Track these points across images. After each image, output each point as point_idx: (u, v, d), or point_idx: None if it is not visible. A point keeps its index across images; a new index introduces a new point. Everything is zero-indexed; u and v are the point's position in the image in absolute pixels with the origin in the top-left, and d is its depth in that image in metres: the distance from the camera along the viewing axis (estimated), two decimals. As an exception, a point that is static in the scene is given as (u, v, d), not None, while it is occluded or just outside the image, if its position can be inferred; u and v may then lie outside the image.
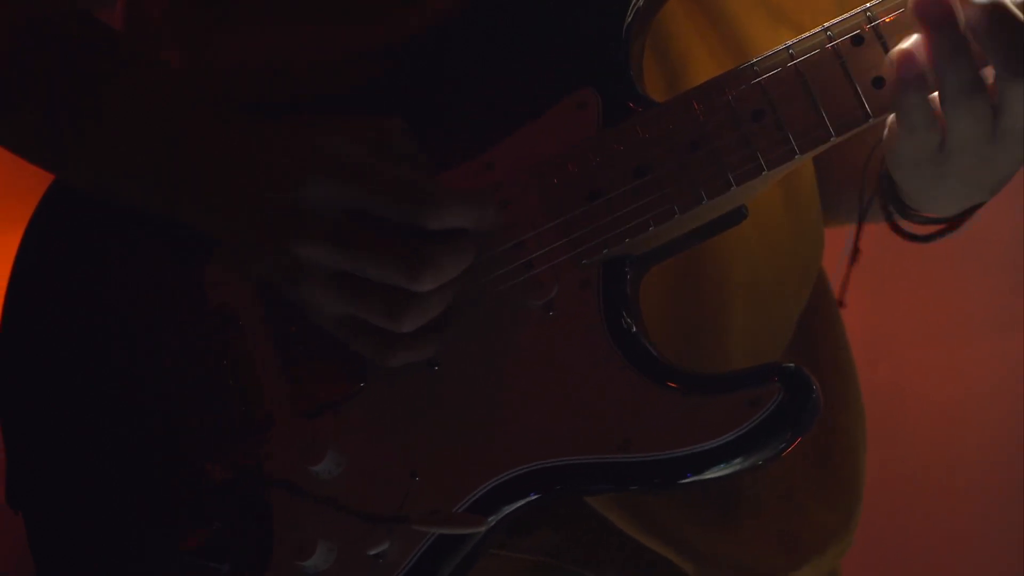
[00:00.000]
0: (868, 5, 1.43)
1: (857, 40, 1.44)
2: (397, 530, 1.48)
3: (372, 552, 1.50)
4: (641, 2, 1.50)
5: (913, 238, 1.61)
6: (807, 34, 1.45)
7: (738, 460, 1.44)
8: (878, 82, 1.43)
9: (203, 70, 1.63)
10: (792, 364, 1.45)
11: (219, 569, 1.54)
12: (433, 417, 1.50)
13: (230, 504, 1.55)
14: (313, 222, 1.44)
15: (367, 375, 1.52)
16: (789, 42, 1.46)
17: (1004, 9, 1.35)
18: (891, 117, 1.46)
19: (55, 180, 1.67)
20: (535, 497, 1.48)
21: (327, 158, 1.45)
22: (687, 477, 1.45)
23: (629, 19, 1.50)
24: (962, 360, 3.15)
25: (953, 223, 1.59)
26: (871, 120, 1.44)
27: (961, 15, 1.37)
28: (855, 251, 1.64)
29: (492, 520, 1.47)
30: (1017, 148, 1.43)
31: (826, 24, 1.44)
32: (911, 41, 1.41)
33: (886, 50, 1.42)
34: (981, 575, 3.18)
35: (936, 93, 1.41)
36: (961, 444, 3.18)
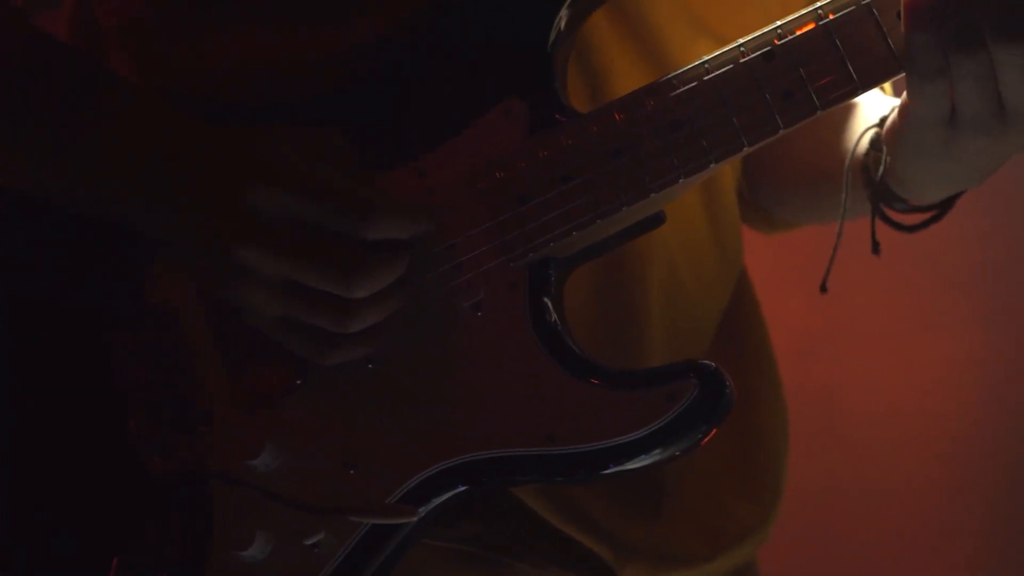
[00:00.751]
0: (778, 23, 1.52)
1: (768, 56, 1.52)
2: (332, 521, 1.55)
3: (308, 542, 1.56)
4: (564, 17, 1.57)
5: (901, 228, 1.68)
6: (722, 50, 1.54)
7: (657, 451, 1.52)
8: (788, 95, 1.51)
9: (152, 79, 1.69)
10: (707, 361, 1.53)
11: (158, 562, 1.60)
12: (368, 413, 1.57)
13: (171, 498, 1.61)
14: (253, 228, 1.50)
15: (305, 372, 1.59)
16: (706, 57, 1.54)
17: None
18: (901, 99, 1.53)
19: None
20: (463, 489, 1.55)
21: (270, 166, 1.52)
22: (609, 468, 1.52)
23: (554, 33, 1.58)
24: (897, 360, 3.21)
25: (941, 211, 1.66)
26: (782, 131, 1.52)
27: None
28: (874, 243, 1.69)
29: (423, 511, 1.54)
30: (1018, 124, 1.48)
31: (740, 40, 1.53)
32: None
33: (794, 66, 1.51)
34: (923, 573, 3.24)
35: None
36: (896, 444, 3.23)
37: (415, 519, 1.53)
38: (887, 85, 1.83)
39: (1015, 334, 3.18)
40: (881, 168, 1.64)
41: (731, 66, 1.53)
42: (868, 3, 1.48)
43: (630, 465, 1.53)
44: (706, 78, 1.53)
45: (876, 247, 1.68)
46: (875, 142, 1.64)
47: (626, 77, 1.66)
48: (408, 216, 1.54)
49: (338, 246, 1.50)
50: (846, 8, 1.50)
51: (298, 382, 1.60)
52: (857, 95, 1.52)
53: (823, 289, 1.74)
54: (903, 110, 1.55)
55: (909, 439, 3.22)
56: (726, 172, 1.79)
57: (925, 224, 1.68)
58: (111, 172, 1.58)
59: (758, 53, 1.52)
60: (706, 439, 1.53)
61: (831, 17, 1.50)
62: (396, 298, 1.54)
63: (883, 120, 1.63)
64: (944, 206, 1.67)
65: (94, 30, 1.74)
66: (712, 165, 1.54)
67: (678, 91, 1.54)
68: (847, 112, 1.74)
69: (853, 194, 1.69)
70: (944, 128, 1.50)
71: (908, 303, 3.19)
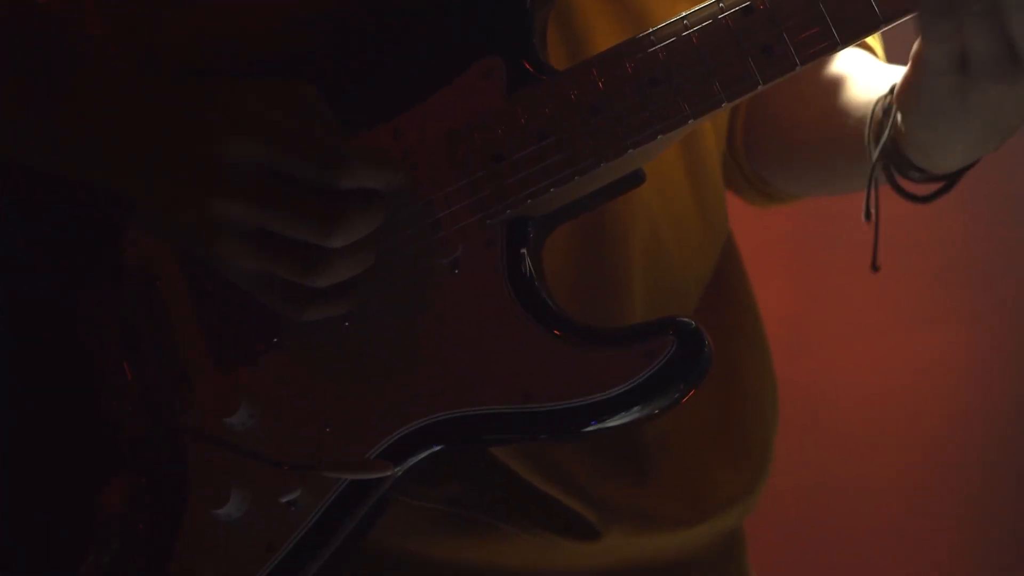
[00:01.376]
0: None
1: (747, 11, 1.51)
2: (309, 477, 1.55)
3: (284, 499, 1.56)
4: None
5: (914, 198, 1.65)
6: (701, 6, 1.53)
7: (636, 408, 1.51)
8: (767, 49, 1.51)
9: (128, 46, 1.68)
10: (687, 319, 1.52)
11: (135, 521, 1.60)
12: (344, 370, 1.57)
13: (147, 455, 1.60)
14: (229, 179, 1.49)
15: (281, 330, 1.58)
16: (684, 13, 1.53)
17: None
18: (912, 51, 1.51)
19: None
20: (440, 448, 1.55)
21: (244, 117, 1.51)
22: (591, 425, 1.52)
23: None
24: (882, 354, 3.20)
25: (951, 181, 1.63)
26: (760, 86, 1.51)
27: None
28: (875, 214, 1.67)
29: (399, 469, 1.53)
30: None
31: None
32: None
33: (773, 21, 1.50)
34: (907, 568, 3.22)
35: None
36: (880, 438, 3.21)
37: (391, 474, 1.52)
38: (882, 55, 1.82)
39: (1002, 329, 3.17)
40: (885, 133, 1.62)
41: (709, 21, 1.52)
42: None
43: (610, 423, 1.52)
44: (684, 34, 1.53)
45: (868, 214, 1.66)
46: (887, 110, 1.62)
47: (606, 36, 1.66)
48: (383, 164, 1.53)
49: (314, 195, 1.49)
50: None
51: (275, 340, 1.59)
52: (837, 51, 1.51)
53: (874, 268, 1.72)
54: (915, 61, 1.53)
55: (894, 433, 3.22)
56: (709, 137, 1.79)
57: (934, 195, 1.66)
58: (85, 133, 1.58)
59: (737, 8, 1.51)
60: (685, 398, 1.52)
61: None
62: (371, 251, 1.53)
63: (893, 88, 1.61)
64: (953, 178, 1.65)
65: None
66: (690, 121, 1.53)
67: (656, 47, 1.53)
68: (855, 80, 1.72)
69: (867, 164, 1.66)
70: (957, 76, 1.48)
71: (894, 297, 3.18)
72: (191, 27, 1.65)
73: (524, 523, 1.67)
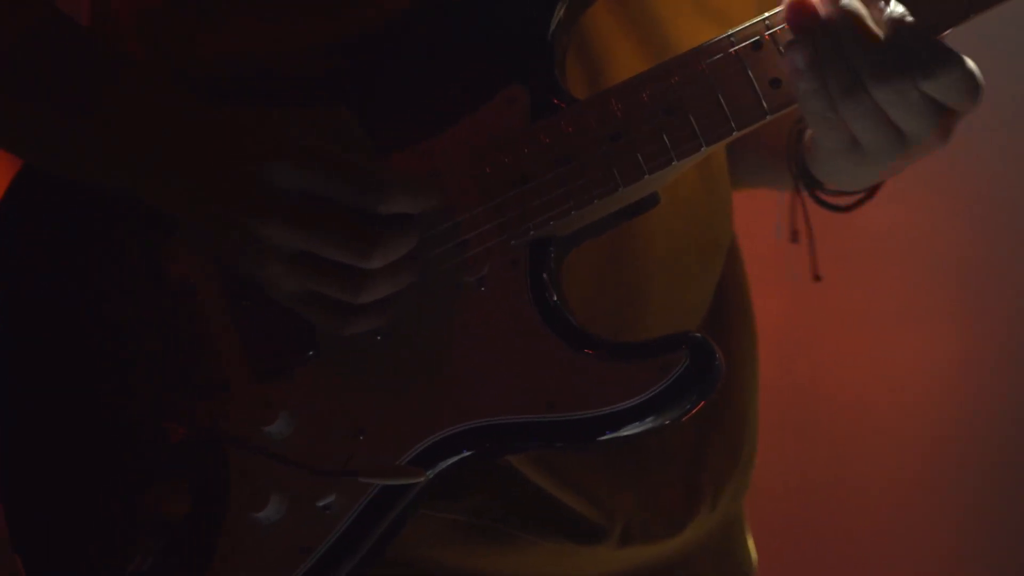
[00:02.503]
0: (766, 14, 1.60)
1: (756, 45, 1.61)
2: (343, 483, 1.64)
3: (320, 504, 1.65)
4: (564, 6, 1.66)
5: (834, 208, 1.77)
6: (714, 40, 1.62)
7: (650, 419, 1.61)
8: (775, 83, 1.60)
9: (165, 66, 1.77)
10: (699, 334, 1.62)
11: (176, 524, 1.69)
12: (377, 382, 1.66)
13: (189, 462, 1.70)
14: (275, 204, 1.59)
15: (317, 344, 1.68)
16: (698, 47, 1.63)
17: (860, 19, 1.52)
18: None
19: (24, 165, 1.81)
20: (468, 454, 1.64)
21: (289, 145, 1.60)
22: (606, 434, 1.61)
23: (554, 22, 1.66)
24: (876, 354, 3.25)
25: (870, 193, 1.75)
26: (768, 116, 1.61)
27: (830, 18, 1.53)
28: (808, 230, 1.78)
29: (430, 473, 1.63)
30: (924, 141, 1.58)
31: (730, 31, 1.61)
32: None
33: (780, 55, 1.59)
34: (902, 567, 3.28)
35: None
36: (874, 437, 3.27)
37: (423, 480, 1.61)
38: None
39: (995, 328, 3.23)
40: (794, 176, 1.73)
41: (721, 55, 1.61)
42: None
43: (624, 432, 1.61)
44: (698, 66, 1.62)
45: (795, 236, 1.77)
46: (800, 135, 1.74)
47: (626, 65, 1.74)
48: (419, 190, 1.62)
49: (354, 219, 1.58)
50: None
51: (310, 353, 1.68)
52: None
53: (816, 278, 1.82)
54: (814, 137, 1.64)
55: (888, 432, 3.27)
56: (720, 155, 1.88)
57: (858, 204, 1.77)
58: (129, 153, 1.67)
59: (747, 42, 1.60)
60: (695, 409, 1.62)
61: None
62: (408, 271, 1.62)
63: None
64: (872, 190, 1.77)
65: (111, 20, 1.82)
66: (703, 148, 1.62)
67: (672, 78, 1.62)
68: None
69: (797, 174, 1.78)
70: (852, 153, 1.59)
71: (888, 297, 3.23)
72: (223, 48, 1.74)
73: (539, 530, 1.76)
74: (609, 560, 1.78)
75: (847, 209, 1.77)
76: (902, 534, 3.28)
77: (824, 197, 1.77)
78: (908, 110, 1.54)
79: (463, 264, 1.65)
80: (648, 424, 1.61)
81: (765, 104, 1.60)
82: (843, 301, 3.21)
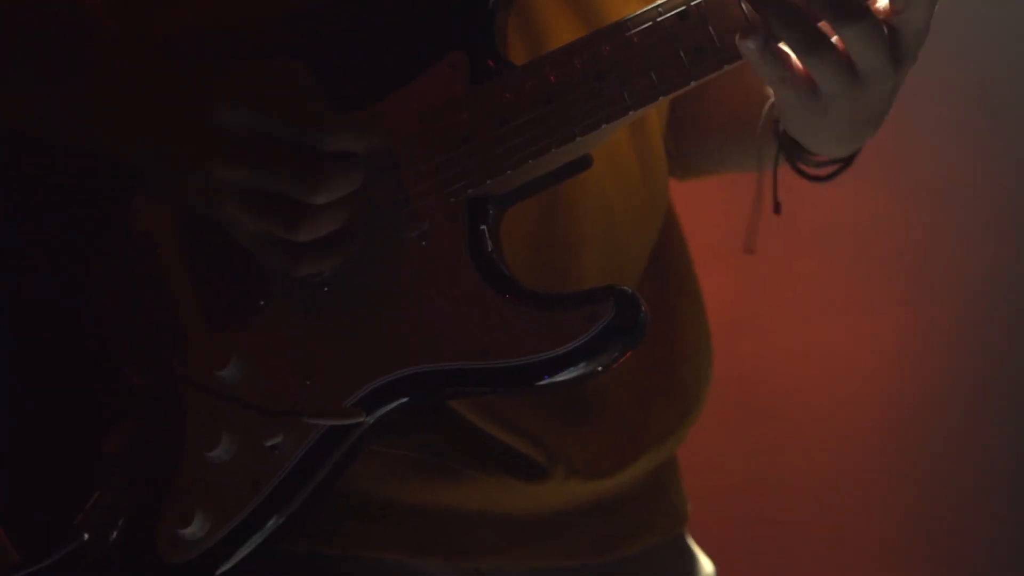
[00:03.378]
0: None
1: (682, 15, 1.71)
2: (290, 424, 1.75)
3: (269, 443, 1.76)
4: None
5: (814, 179, 1.86)
6: (643, 10, 1.73)
7: (581, 365, 1.71)
8: (699, 51, 1.70)
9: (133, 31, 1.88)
10: (625, 288, 1.72)
11: (135, 464, 1.79)
12: (323, 330, 1.77)
13: (147, 405, 1.80)
14: (223, 144, 1.69)
15: (267, 294, 1.78)
16: (628, 16, 1.73)
17: None
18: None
19: None
20: (407, 399, 1.74)
21: (233, 88, 1.70)
22: (543, 379, 1.72)
23: None
24: (821, 342, 3.28)
25: (847, 160, 1.84)
26: (693, 83, 1.71)
27: None
28: (775, 203, 1.87)
29: (369, 418, 1.73)
30: (883, 84, 1.66)
31: (657, 2, 1.72)
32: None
33: (705, 24, 1.70)
34: (841, 556, 3.32)
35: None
36: (818, 426, 3.29)
37: (363, 420, 1.72)
38: None
39: (938, 318, 3.26)
40: (779, 147, 1.83)
41: (650, 23, 1.72)
42: None
43: (558, 378, 1.72)
44: (627, 34, 1.72)
45: (777, 207, 1.87)
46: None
47: (562, 34, 1.85)
48: (362, 128, 1.71)
49: (300, 156, 1.68)
50: None
51: (261, 303, 1.79)
52: None
53: (749, 251, 1.92)
54: (778, 104, 1.74)
55: (829, 421, 3.30)
56: (654, 120, 1.98)
57: (835, 174, 1.88)
58: (96, 108, 1.77)
59: (673, 12, 1.71)
60: (623, 358, 1.72)
61: None
62: (348, 208, 1.71)
63: None
64: (849, 159, 1.87)
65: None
66: (631, 112, 1.73)
67: (603, 47, 1.73)
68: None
69: (767, 149, 1.89)
70: (814, 102, 1.68)
71: (832, 286, 3.26)
72: (177, 24, 1.84)
73: (483, 467, 1.86)
74: (550, 495, 1.88)
75: (825, 179, 1.86)
76: (841, 523, 3.31)
77: (804, 168, 1.86)
78: (872, 44, 1.61)
79: (406, 218, 1.75)
80: (581, 370, 1.71)
81: (689, 71, 1.71)
82: (787, 290, 3.25)
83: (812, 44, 1.63)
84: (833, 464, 3.30)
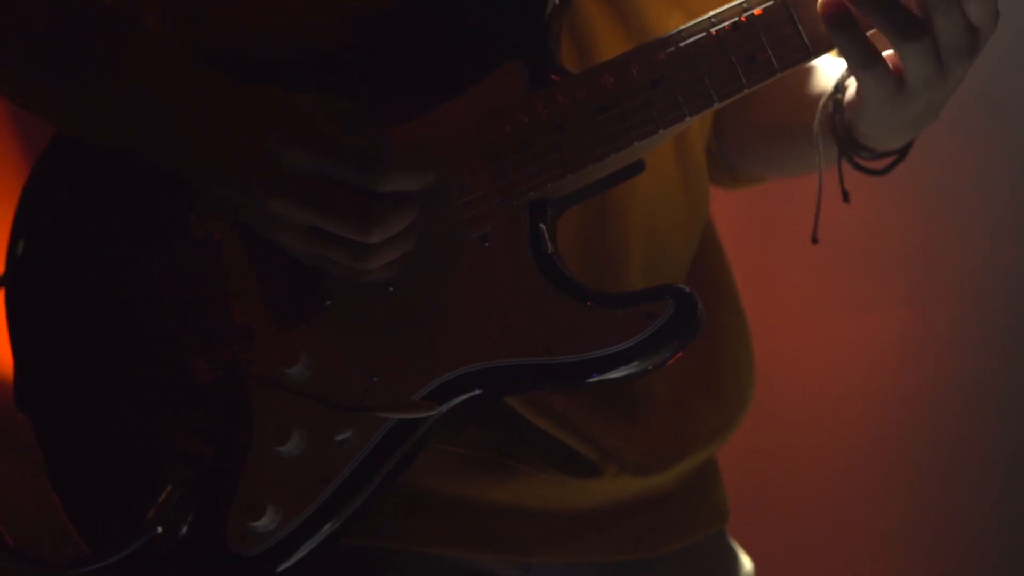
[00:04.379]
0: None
1: (735, 27, 1.79)
2: (359, 419, 1.81)
3: (338, 438, 1.81)
4: None
5: (872, 172, 1.93)
6: (694, 21, 1.80)
7: (636, 363, 1.78)
8: (752, 59, 1.78)
9: (183, 41, 1.94)
10: (683, 287, 1.79)
11: (206, 458, 1.85)
12: (388, 329, 1.83)
13: (218, 401, 1.86)
14: (283, 182, 1.76)
15: (333, 294, 1.85)
16: (681, 27, 1.80)
17: None
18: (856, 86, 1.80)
19: (54, 136, 1.96)
20: (477, 392, 1.81)
21: (304, 132, 1.77)
22: (593, 376, 1.79)
23: (550, 5, 1.84)
24: (824, 340, 3.31)
25: (903, 152, 1.92)
26: (746, 89, 1.79)
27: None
28: (843, 192, 1.93)
29: (442, 408, 1.80)
30: (961, 67, 1.74)
31: (711, 13, 1.79)
32: None
33: (757, 35, 1.77)
34: (845, 551, 3.33)
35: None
36: (821, 424, 3.32)
37: (435, 413, 1.78)
38: None
39: (939, 316, 3.29)
40: (838, 145, 1.90)
41: (703, 34, 1.79)
42: None
43: (612, 374, 1.79)
44: (682, 44, 1.80)
45: (846, 196, 1.95)
46: (838, 105, 1.91)
47: (610, 44, 1.92)
48: (416, 169, 1.78)
49: (356, 199, 1.75)
50: None
51: (327, 303, 1.85)
52: (811, 60, 1.79)
53: (814, 240, 1.99)
54: (859, 96, 1.82)
55: (832, 419, 3.32)
56: (696, 133, 2.06)
57: (890, 167, 1.95)
58: (156, 130, 1.83)
59: (726, 23, 1.78)
60: (676, 355, 1.79)
61: None
62: (409, 239, 1.79)
63: (840, 85, 1.90)
64: (904, 150, 1.95)
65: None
66: (687, 118, 1.80)
67: (657, 55, 1.80)
68: (807, 72, 2.01)
69: (823, 147, 1.96)
70: (897, 96, 1.77)
71: (834, 284, 3.29)
72: (235, 24, 1.90)
73: (537, 462, 1.93)
74: (599, 491, 1.95)
75: (883, 172, 1.94)
76: (841, 522, 3.33)
77: (862, 162, 1.93)
78: (958, 31, 1.70)
79: (468, 221, 1.82)
80: (634, 368, 1.79)
81: (744, 78, 1.78)
82: (787, 290, 3.29)
83: (911, 29, 1.70)
84: (834, 464, 3.34)
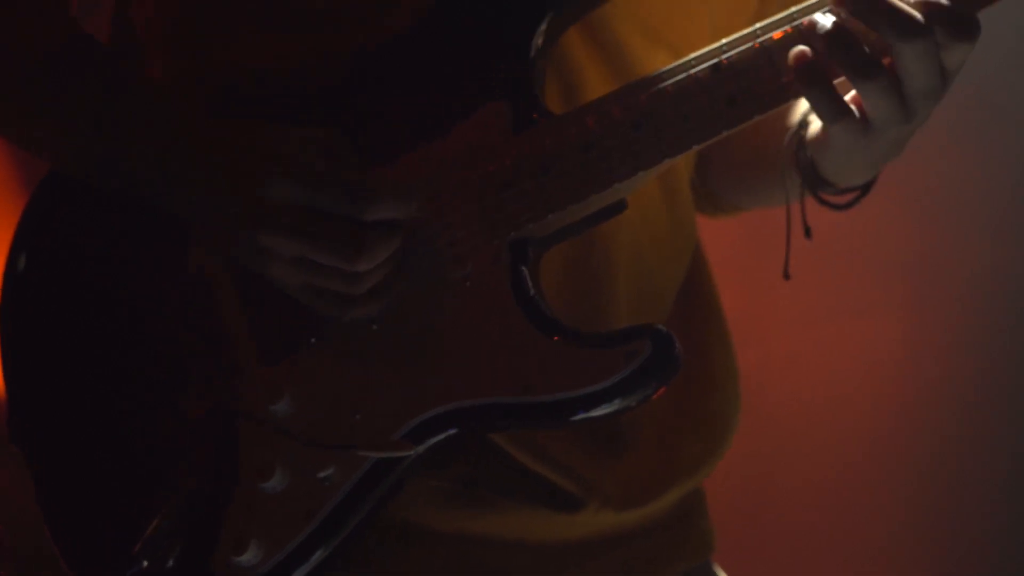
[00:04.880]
0: (723, 41, 1.79)
1: (715, 68, 1.80)
2: (341, 456, 1.83)
3: (321, 475, 1.84)
4: (543, 32, 1.84)
5: (835, 207, 1.95)
6: (676, 63, 1.81)
7: (617, 401, 1.80)
8: (731, 102, 1.79)
9: (181, 76, 1.96)
10: (661, 327, 1.81)
11: (193, 493, 1.87)
12: (372, 367, 1.85)
13: (204, 437, 1.88)
14: (270, 215, 1.79)
15: (318, 331, 1.87)
16: (662, 69, 1.81)
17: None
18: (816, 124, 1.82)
19: (50, 171, 1.99)
20: (453, 432, 1.83)
21: (287, 163, 1.79)
22: (577, 415, 1.81)
23: (535, 46, 1.85)
24: (823, 347, 3.32)
25: (865, 189, 1.93)
26: (725, 132, 1.80)
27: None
28: (805, 228, 1.96)
29: (419, 448, 1.82)
30: (926, 107, 1.76)
31: (690, 55, 1.80)
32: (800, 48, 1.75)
33: (736, 76, 1.78)
34: (843, 558, 3.34)
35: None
36: (820, 430, 3.33)
37: (412, 453, 1.81)
38: None
39: (937, 323, 3.30)
40: (802, 181, 1.92)
41: (683, 75, 1.80)
42: (800, 29, 1.76)
43: (594, 413, 1.81)
44: (662, 85, 1.81)
45: (808, 232, 1.96)
46: (801, 142, 1.92)
47: (594, 84, 1.93)
48: (399, 198, 1.80)
49: (342, 229, 1.78)
50: (781, 27, 1.78)
51: (312, 340, 1.87)
52: (788, 102, 1.80)
53: (785, 276, 2.01)
54: (824, 135, 1.83)
55: (830, 425, 3.33)
56: (681, 164, 2.07)
57: (855, 201, 1.96)
58: (144, 168, 1.87)
59: (706, 65, 1.79)
60: (657, 394, 1.81)
61: (769, 38, 1.77)
62: (394, 266, 1.81)
63: (803, 121, 1.92)
64: (867, 186, 1.96)
65: (131, 33, 2.00)
66: (666, 160, 1.81)
67: (639, 96, 1.81)
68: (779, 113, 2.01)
69: (789, 181, 1.97)
70: (862, 137, 1.78)
71: (835, 290, 3.29)
72: (234, 60, 1.92)
73: (519, 497, 1.95)
74: (582, 524, 1.97)
75: (847, 207, 1.95)
76: (843, 525, 3.34)
77: (826, 197, 1.94)
78: (926, 64, 1.71)
79: (450, 261, 1.84)
80: (615, 407, 1.80)
81: (723, 120, 1.79)
82: (787, 295, 3.28)
83: (868, 69, 1.72)
84: (834, 467, 3.34)
